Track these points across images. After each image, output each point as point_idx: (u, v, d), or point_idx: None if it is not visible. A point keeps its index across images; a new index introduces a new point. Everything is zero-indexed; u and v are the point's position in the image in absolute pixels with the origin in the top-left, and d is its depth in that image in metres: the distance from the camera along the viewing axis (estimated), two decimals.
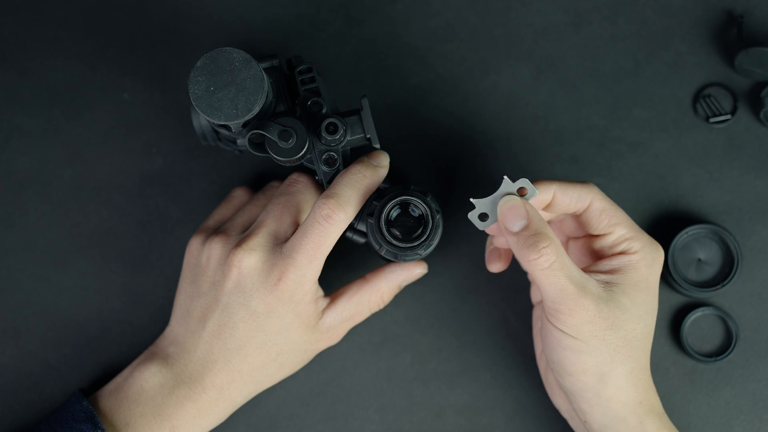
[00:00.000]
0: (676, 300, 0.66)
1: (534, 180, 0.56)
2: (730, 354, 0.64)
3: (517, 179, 0.54)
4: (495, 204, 0.54)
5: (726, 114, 0.67)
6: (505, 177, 0.54)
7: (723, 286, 0.64)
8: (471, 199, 0.54)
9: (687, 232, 0.65)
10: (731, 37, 0.68)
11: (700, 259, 0.65)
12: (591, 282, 0.53)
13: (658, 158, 0.67)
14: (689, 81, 0.68)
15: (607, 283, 0.54)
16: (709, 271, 0.65)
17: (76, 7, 0.69)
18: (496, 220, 0.54)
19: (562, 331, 0.53)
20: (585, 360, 0.53)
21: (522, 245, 0.52)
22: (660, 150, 0.67)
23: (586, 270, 0.56)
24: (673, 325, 0.66)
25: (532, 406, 0.65)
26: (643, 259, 0.55)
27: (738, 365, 0.65)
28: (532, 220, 0.52)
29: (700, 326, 0.65)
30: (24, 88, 0.69)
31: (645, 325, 0.55)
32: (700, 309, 0.65)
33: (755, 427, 0.64)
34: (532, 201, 0.55)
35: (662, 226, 0.66)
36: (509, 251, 0.60)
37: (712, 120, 0.67)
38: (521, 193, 0.54)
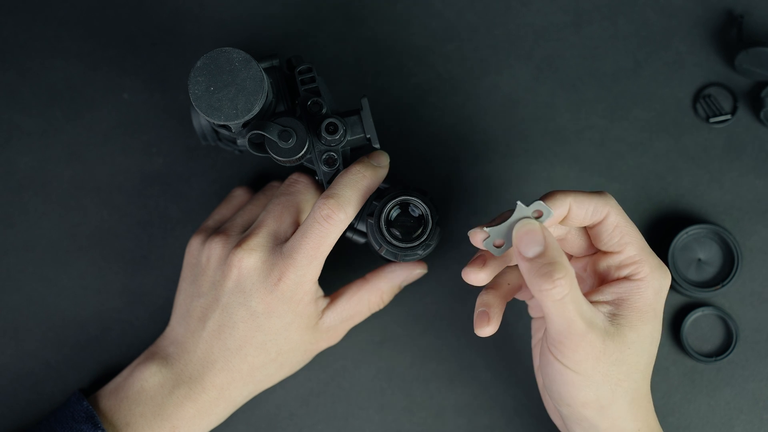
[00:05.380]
0: (676, 300, 0.66)
1: (548, 193, 0.53)
2: (730, 354, 0.64)
3: (531, 202, 0.51)
4: (510, 230, 0.51)
5: (726, 114, 0.67)
6: (519, 202, 0.50)
7: (723, 286, 0.64)
8: (485, 228, 0.51)
9: (687, 232, 0.65)
10: (731, 37, 0.68)
11: (700, 259, 0.65)
12: (598, 316, 0.51)
13: (658, 158, 0.67)
14: (689, 81, 0.68)
15: (613, 315, 0.52)
16: (709, 271, 0.65)
17: (76, 7, 0.69)
18: (511, 246, 0.51)
19: (564, 365, 0.51)
20: (585, 394, 0.52)
21: (536, 273, 0.49)
22: (660, 150, 0.67)
23: (589, 296, 0.53)
24: (673, 325, 0.66)
25: (532, 406, 0.65)
26: (651, 287, 0.53)
27: (738, 365, 0.65)
28: (549, 247, 0.50)
29: (700, 326, 0.65)
30: (24, 88, 0.69)
31: (648, 356, 0.53)
32: (700, 309, 0.65)
33: (755, 427, 0.64)
34: (548, 219, 0.52)
35: (662, 226, 0.66)
36: (498, 313, 0.56)
37: (712, 120, 0.67)
38: (536, 215, 0.51)
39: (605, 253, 0.54)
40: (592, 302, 0.53)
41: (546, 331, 0.52)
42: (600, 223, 0.53)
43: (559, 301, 0.49)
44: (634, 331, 0.52)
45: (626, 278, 0.53)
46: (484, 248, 0.52)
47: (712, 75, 0.68)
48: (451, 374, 0.66)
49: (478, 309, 0.55)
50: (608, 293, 0.53)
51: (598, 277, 0.55)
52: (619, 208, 0.54)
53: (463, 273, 0.54)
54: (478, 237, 0.52)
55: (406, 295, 0.66)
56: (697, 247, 0.65)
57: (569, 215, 0.53)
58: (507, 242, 0.52)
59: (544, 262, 0.49)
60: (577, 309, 0.49)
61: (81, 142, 0.68)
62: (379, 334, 0.66)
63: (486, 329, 0.54)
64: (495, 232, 0.52)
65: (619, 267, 0.54)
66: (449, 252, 0.66)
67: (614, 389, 0.52)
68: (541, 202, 0.50)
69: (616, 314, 0.52)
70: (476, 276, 0.54)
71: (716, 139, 0.67)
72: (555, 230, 0.55)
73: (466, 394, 0.65)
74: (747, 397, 0.65)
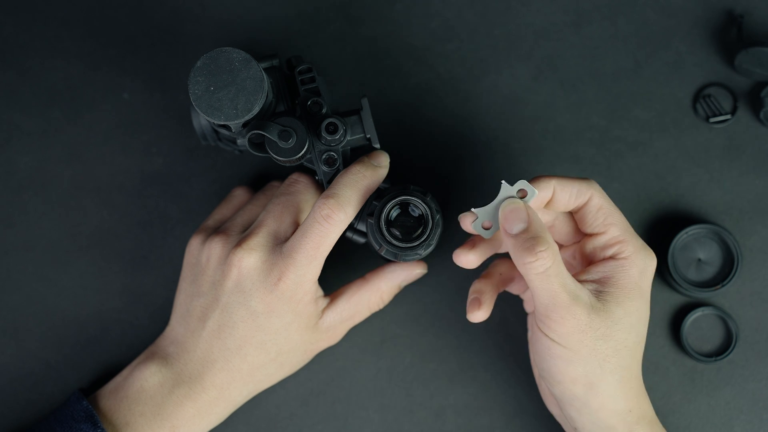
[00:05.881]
0: (676, 300, 0.66)
1: (533, 177, 0.55)
2: (730, 354, 0.64)
3: (515, 182, 0.53)
4: (496, 211, 0.53)
5: (726, 114, 0.67)
6: (503, 182, 0.53)
7: (723, 286, 0.64)
8: (472, 209, 0.53)
9: (687, 232, 0.65)
10: (731, 37, 0.68)
11: (700, 259, 0.65)
12: (583, 291, 0.53)
13: (658, 158, 0.67)
14: (689, 81, 0.68)
15: (599, 292, 0.54)
16: (709, 271, 0.65)
17: (76, 7, 0.69)
18: (498, 228, 0.53)
19: (551, 339, 0.53)
20: (574, 369, 0.53)
21: (519, 247, 0.51)
22: (660, 150, 0.67)
23: (576, 276, 0.55)
24: (673, 325, 0.66)
25: (532, 406, 0.65)
26: (635, 265, 0.54)
27: (738, 365, 0.65)
28: (532, 223, 0.52)
29: (700, 326, 0.65)
30: (24, 88, 0.69)
31: (636, 334, 0.54)
32: (700, 309, 0.65)
33: (755, 427, 0.64)
34: (532, 200, 0.54)
35: (662, 226, 0.66)
36: (490, 299, 0.58)
37: (712, 120, 0.67)
38: (521, 195, 0.53)
39: (591, 235, 0.56)
40: (579, 281, 0.54)
41: (534, 308, 0.53)
42: (584, 205, 0.55)
43: (542, 273, 0.51)
44: (621, 307, 0.53)
45: (611, 257, 0.55)
46: (474, 232, 0.54)
47: (712, 75, 0.68)
48: (451, 374, 0.66)
49: (470, 296, 0.58)
50: (594, 272, 0.55)
51: (586, 260, 0.57)
52: (603, 192, 0.56)
53: (453, 255, 0.56)
54: (467, 220, 0.54)
55: (406, 295, 0.66)
56: (697, 247, 0.65)
57: (554, 198, 0.55)
58: (495, 224, 0.54)
59: (527, 237, 0.51)
60: (561, 282, 0.51)
61: (81, 142, 0.68)
62: (379, 334, 0.66)
63: (477, 314, 0.57)
64: (482, 212, 0.54)
65: (604, 247, 0.55)
66: (449, 252, 0.66)
67: (602, 365, 0.53)
68: (525, 180, 0.53)
69: (601, 291, 0.54)
70: (466, 257, 0.56)
71: (716, 139, 0.67)
72: (543, 217, 0.57)
73: (466, 394, 0.65)
74: (747, 397, 0.65)
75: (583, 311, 0.52)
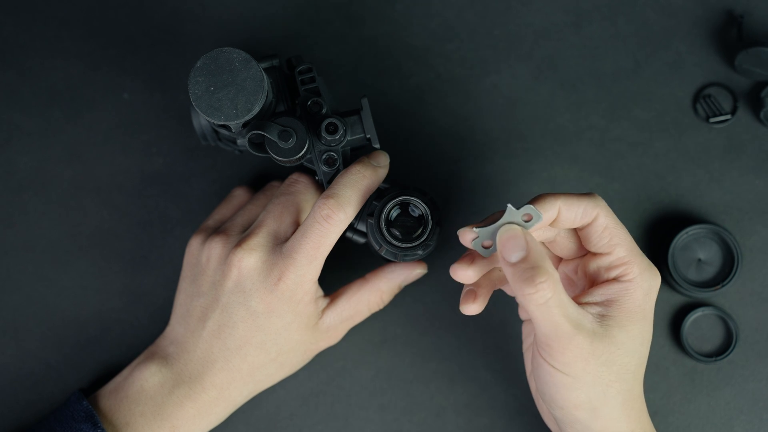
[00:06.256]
0: (676, 300, 0.66)
1: (538, 196, 0.53)
2: (730, 354, 0.64)
3: (522, 206, 0.51)
4: (497, 233, 0.51)
5: (726, 114, 0.67)
6: (509, 205, 0.51)
7: (723, 286, 0.64)
8: (474, 228, 0.52)
9: (687, 232, 0.65)
10: (731, 37, 0.68)
11: (700, 259, 0.65)
12: (586, 317, 0.51)
13: (658, 158, 0.67)
14: (689, 81, 0.68)
15: (602, 316, 0.52)
16: (709, 271, 0.65)
17: (76, 7, 0.69)
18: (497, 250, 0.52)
19: (554, 367, 0.51)
20: (577, 396, 0.52)
21: (519, 278, 0.49)
22: (660, 150, 0.67)
23: (579, 298, 0.54)
24: (673, 325, 0.66)
25: (532, 406, 0.65)
26: (640, 287, 0.53)
27: (738, 365, 0.65)
28: (531, 251, 0.50)
29: (700, 326, 0.65)
30: (24, 88, 0.69)
31: (639, 356, 0.53)
32: (700, 309, 0.65)
33: (755, 427, 0.64)
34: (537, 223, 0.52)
35: (662, 226, 0.66)
36: (486, 293, 0.56)
37: (712, 120, 0.67)
38: (526, 219, 0.51)
39: (595, 254, 0.55)
40: (582, 304, 0.53)
41: (535, 335, 0.52)
42: (589, 224, 0.54)
43: (543, 304, 0.49)
44: (624, 331, 0.52)
45: (616, 279, 0.53)
46: (472, 248, 0.53)
47: (712, 75, 0.68)
48: (451, 374, 0.66)
49: (466, 288, 0.55)
50: (598, 295, 0.53)
51: (589, 279, 0.56)
52: (609, 209, 0.54)
53: (451, 270, 0.54)
54: (467, 237, 0.52)
55: (406, 295, 0.66)
56: (697, 247, 0.65)
57: (559, 218, 0.53)
58: (495, 245, 0.52)
59: (527, 267, 0.49)
60: (562, 311, 0.49)
61: (81, 142, 0.68)
62: (379, 334, 0.66)
63: (471, 307, 0.54)
64: (483, 233, 0.52)
65: (609, 268, 0.54)
66: (449, 252, 0.66)
67: (606, 390, 0.52)
68: (531, 206, 0.51)
69: (605, 315, 0.52)
70: (464, 273, 0.54)
71: (716, 139, 0.67)
72: (544, 233, 0.55)
73: (466, 394, 0.65)
74: (747, 397, 0.65)
75: (586, 339, 0.50)
